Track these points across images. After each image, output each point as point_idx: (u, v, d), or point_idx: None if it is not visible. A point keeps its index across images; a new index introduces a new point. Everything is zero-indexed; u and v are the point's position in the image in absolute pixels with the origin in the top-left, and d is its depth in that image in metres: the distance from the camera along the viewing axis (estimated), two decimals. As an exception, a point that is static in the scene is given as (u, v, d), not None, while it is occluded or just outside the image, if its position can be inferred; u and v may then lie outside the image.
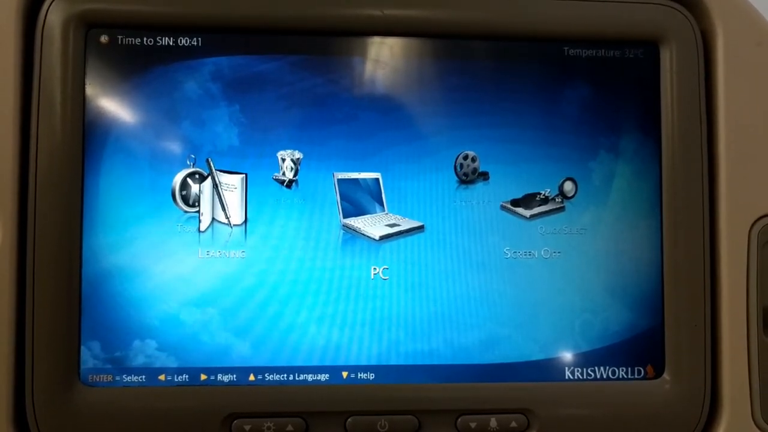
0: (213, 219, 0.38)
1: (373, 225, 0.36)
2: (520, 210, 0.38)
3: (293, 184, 0.38)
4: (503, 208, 0.40)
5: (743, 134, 0.41)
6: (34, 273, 0.37)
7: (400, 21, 0.40)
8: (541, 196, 0.39)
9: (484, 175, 0.40)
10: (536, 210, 0.39)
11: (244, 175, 0.38)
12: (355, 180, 0.37)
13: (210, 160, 0.38)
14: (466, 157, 0.40)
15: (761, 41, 0.41)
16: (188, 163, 0.38)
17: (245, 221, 0.39)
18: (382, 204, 0.36)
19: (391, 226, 0.36)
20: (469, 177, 0.40)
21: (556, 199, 0.40)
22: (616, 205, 0.41)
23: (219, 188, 0.37)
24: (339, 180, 0.37)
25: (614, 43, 0.41)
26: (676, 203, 0.41)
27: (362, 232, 0.36)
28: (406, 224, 0.36)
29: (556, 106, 0.41)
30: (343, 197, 0.36)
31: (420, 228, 0.39)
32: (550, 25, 0.41)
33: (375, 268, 0.40)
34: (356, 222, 0.38)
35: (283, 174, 0.37)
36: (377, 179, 0.37)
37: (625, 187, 0.41)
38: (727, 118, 0.41)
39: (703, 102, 0.41)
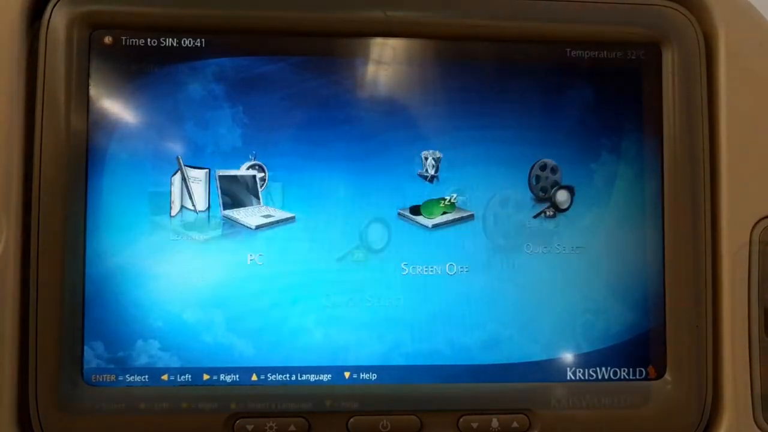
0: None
1: (251, 215, 0.37)
2: (420, 219, 0.39)
3: (435, 179, 0.40)
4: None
5: (745, 136, 0.41)
6: (37, 273, 0.37)
7: (403, 23, 0.40)
8: (446, 202, 0.39)
9: (569, 190, 0.41)
10: (263, 220, 0.38)
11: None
12: (234, 176, 0.38)
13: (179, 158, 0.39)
14: (543, 167, 0.40)
15: (763, 42, 0.41)
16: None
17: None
18: (257, 198, 0.37)
19: (266, 216, 0.37)
20: (547, 193, 0.40)
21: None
22: (618, 207, 0.41)
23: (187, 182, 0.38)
24: (220, 176, 0.37)
25: (616, 44, 0.41)
26: (678, 204, 0.41)
27: (241, 222, 0.38)
28: (279, 215, 0.38)
29: (558, 108, 0.41)
30: (224, 192, 0.37)
31: (291, 219, 0.39)
32: (552, 26, 0.41)
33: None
34: (235, 213, 0.38)
35: (426, 171, 0.40)
36: (254, 176, 0.38)
37: (626, 189, 0.41)
38: (729, 119, 0.41)
39: (705, 103, 0.41)
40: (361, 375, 0.40)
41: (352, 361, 0.40)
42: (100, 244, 0.38)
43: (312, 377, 0.39)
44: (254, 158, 0.38)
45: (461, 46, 0.41)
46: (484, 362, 0.40)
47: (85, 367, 0.38)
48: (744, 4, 0.41)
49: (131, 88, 0.39)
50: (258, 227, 0.39)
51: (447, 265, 0.40)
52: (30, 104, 0.38)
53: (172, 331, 0.39)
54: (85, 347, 0.38)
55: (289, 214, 0.39)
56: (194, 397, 0.38)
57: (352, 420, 0.39)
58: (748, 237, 0.40)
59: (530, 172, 0.41)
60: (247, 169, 0.39)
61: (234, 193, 0.36)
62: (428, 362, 0.40)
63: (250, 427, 0.38)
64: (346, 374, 0.40)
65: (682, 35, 0.41)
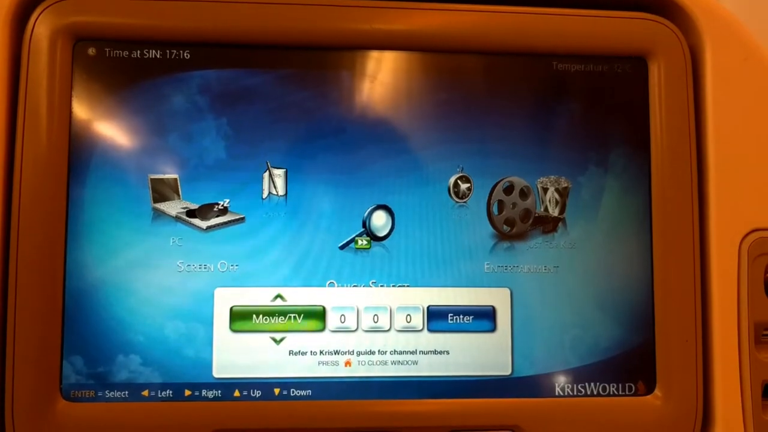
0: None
1: (172, 207, 0.39)
2: (195, 221, 0.39)
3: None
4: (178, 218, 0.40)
5: (732, 149, 0.41)
6: (16, 286, 0.37)
7: (388, 36, 0.40)
8: (219, 207, 0.39)
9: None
10: (213, 221, 0.39)
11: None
12: (162, 179, 0.39)
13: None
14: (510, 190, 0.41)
15: (747, 56, 0.41)
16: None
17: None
18: (178, 194, 0.39)
19: (183, 208, 0.39)
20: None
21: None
22: (605, 221, 0.41)
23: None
24: (151, 179, 0.39)
25: (603, 57, 0.42)
26: (666, 218, 0.40)
27: (165, 212, 0.39)
28: (191, 206, 0.39)
29: (546, 121, 0.41)
30: (153, 190, 0.39)
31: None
32: (538, 39, 0.41)
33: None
34: (161, 205, 0.39)
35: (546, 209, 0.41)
36: (175, 178, 0.39)
37: (614, 202, 0.41)
38: (716, 133, 0.41)
39: (692, 117, 0.41)
40: (346, 389, 0.39)
41: (337, 374, 0.39)
42: (80, 257, 0.38)
43: (295, 393, 0.39)
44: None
45: (447, 59, 0.41)
46: (473, 377, 0.40)
47: (64, 382, 0.37)
48: (729, 19, 0.42)
49: (114, 99, 0.39)
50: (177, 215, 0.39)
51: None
52: (13, 115, 0.38)
53: (153, 346, 0.38)
54: (64, 362, 0.37)
55: (194, 206, 0.39)
56: (175, 414, 0.38)
57: None
58: (737, 250, 0.40)
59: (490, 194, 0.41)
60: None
61: (161, 191, 0.39)
62: (415, 375, 0.39)
63: None
64: (330, 389, 0.39)
65: (668, 49, 0.41)
